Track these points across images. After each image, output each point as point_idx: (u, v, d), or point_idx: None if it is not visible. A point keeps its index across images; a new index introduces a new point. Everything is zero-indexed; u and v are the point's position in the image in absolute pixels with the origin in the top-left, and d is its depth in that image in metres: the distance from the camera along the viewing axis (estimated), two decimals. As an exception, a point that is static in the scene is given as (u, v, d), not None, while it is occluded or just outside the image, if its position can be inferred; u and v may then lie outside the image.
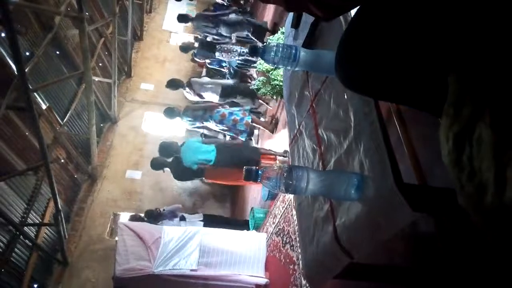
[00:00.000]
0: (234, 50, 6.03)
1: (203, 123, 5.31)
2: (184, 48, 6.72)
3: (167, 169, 5.16)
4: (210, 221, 5.44)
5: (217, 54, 6.13)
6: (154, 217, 5.47)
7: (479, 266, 1.26)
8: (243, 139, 5.35)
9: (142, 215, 5.73)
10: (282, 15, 5.82)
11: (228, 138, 5.89)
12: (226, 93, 5.70)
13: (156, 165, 5.12)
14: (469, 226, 1.24)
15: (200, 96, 5.78)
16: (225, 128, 5.25)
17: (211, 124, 5.27)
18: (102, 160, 7.79)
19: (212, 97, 5.75)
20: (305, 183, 1.07)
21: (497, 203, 0.44)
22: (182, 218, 5.46)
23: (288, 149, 4.81)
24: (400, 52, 0.81)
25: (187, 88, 5.74)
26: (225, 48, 6.05)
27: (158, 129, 8.64)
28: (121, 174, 7.78)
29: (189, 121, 5.31)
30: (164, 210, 5.70)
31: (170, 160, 5.06)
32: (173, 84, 5.83)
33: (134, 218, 5.66)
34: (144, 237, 4.07)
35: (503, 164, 0.44)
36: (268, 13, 6.88)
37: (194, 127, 5.56)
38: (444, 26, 0.69)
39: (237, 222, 5.70)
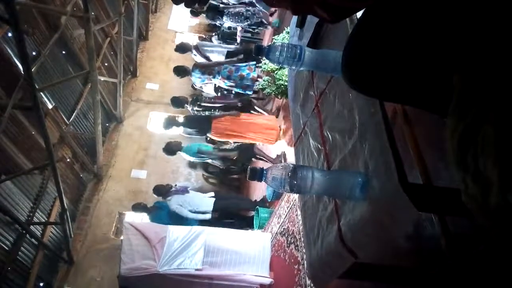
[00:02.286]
0: (241, 13, 6.25)
1: (211, 80, 5.65)
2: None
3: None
4: (220, 197, 5.73)
5: (224, 18, 6.36)
6: (163, 194, 5.65)
7: (484, 266, 1.26)
8: (250, 93, 5.64)
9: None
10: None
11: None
12: (232, 55, 5.98)
13: (168, 123, 5.45)
14: (475, 226, 1.24)
15: (207, 58, 6.09)
16: (232, 84, 5.56)
17: (218, 81, 5.60)
18: (107, 159, 7.82)
19: (218, 58, 6.04)
20: (310, 183, 1.07)
21: (502, 203, 0.44)
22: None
23: (283, 152, 5.02)
24: (406, 52, 0.81)
25: (194, 51, 6.08)
26: (232, 12, 6.26)
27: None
28: (127, 174, 7.80)
29: (198, 77, 5.63)
30: (176, 185, 5.88)
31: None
32: (182, 47, 6.19)
33: (138, 206, 5.71)
34: (150, 237, 4.08)
35: (508, 165, 0.44)
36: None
37: (202, 84, 5.86)
38: (449, 27, 0.69)
39: (247, 202, 5.78)
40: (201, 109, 5.65)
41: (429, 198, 0.98)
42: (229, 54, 6.01)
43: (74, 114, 6.62)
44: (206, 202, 5.51)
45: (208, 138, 5.85)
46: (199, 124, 5.39)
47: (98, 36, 7.34)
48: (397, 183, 0.91)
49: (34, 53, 5.27)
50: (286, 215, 4.05)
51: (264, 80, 4.72)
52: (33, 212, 5.34)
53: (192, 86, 7.00)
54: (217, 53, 6.07)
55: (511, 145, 0.44)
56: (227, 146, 5.68)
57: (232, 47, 6.44)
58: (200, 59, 6.18)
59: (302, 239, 3.33)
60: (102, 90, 7.30)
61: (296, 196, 3.62)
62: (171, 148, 5.50)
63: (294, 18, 2.00)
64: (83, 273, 6.33)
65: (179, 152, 5.51)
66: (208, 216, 5.39)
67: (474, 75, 0.55)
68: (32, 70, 3.80)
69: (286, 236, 3.93)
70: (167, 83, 8.97)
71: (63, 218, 5.20)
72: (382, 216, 0.98)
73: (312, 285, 3.02)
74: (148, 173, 7.79)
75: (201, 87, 6.21)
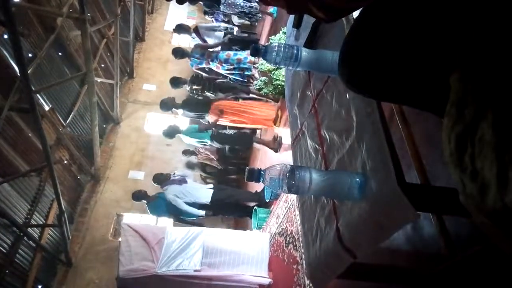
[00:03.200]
0: (237, 3, 6.39)
1: (209, 64, 5.76)
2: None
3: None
4: (219, 188, 5.73)
5: (221, 7, 6.51)
6: (161, 182, 5.72)
7: (482, 266, 1.26)
8: (249, 73, 5.75)
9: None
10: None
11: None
12: (232, 43, 6.16)
13: (166, 105, 5.65)
14: (473, 226, 1.24)
15: (205, 42, 6.29)
16: (230, 67, 5.68)
17: (216, 65, 5.71)
18: (105, 161, 7.80)
19: (215, 42, 6.26)
20: (308, 184, 1.07)
21: (499, 203, 0.44)
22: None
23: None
24: (403, 52, 0.81)
25: (193, 34, 6.26)
26: (229, 2, 6.40)
27: (161, 129, 8.65)
28: (124, 175, 7.79)
29: (197, 59, 5.76)
30: (174, 174, 5.93)
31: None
32: (181, 28, 6.39)
33: (138, 193, 5.72)
34: (148, 238, 4.08)
35: (505, 165, 0.43)
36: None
37: (199, 68, 5.97)
38: (446, 26, 0.69)
39: (247, 195, 5.77)
40: (200, 87, 5.70)
41: (427, 198, 0.98)
42: (229, 41, 6.15)
43: (71, 115, 6.61)
44: (204, 193, 5.46)
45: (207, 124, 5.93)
46: (198, 107, 5.51)
47: (95, 38, 7.32)
48: (395, 183, 0.91)
49: (30, 55, 5.26)
50: (285, 215, 4.05)
51: (261, 81, 4.72)
52: (30, 214, 5.33)
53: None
54: (215, 38, 6.25)
55: (509, 146, 0.44)
56: (225, 131, 5.74)
57: (231, 26, 6.57)
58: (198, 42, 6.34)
59: (301, 239, 3.34)
60: (99, 91, 7.29)
61: (294, 196, 3.62)
62: (171, 131, 5.63)
63: (291, 18, 2.00)
64: (82, 275, 6.32)
65: (178, 135, 5.64)
66: (202, 213, 5.36)
67: (471, 75, 0.55)
68: (29, 72, 3.79)
69: (284, 236, 3.93)
70: (164, 84, 8.90)
71: (60, 220, 5.18)
72: (380, 216, 0.98)
73: (311, 285, 3.02)
74: (146, 174, 7.77)
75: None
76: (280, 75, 4.35)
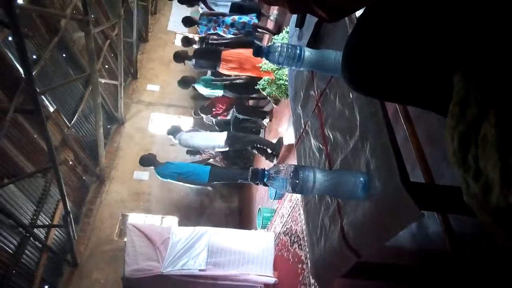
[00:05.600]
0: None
1: (216, 29, 6.06)
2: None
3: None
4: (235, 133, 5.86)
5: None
6: (174, 131, 5.82)
7: (487, 264, 1.26)
8: (252, 39, 5.94)
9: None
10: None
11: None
12: (235, 8, 6.37)
13: (180, 56, 5.90)
14: (478, 225, 1.24)
15: (212, 10, 6.50)
16: (236, 31, 5.97)
17: (222, 31, 5.99)
18: (109, 161, 7.83)
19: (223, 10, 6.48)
20: (312, 183, 1.07)
21: (503, 203, 0.44)
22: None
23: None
24: (406, 51, 0.81)
25: (201, 4, 6.50)
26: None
27: (165, 129, 8.67)
28: (129, 175, 7.81)
29: (204, 26, 6.06)
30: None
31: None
32: (189, 0, 6.64)
33: (145, 157, 5.68)
34: (153, 238, 4.09)
35: (508, 165, 0.44)
36: (273, 11, 6.89)
37: (207, 34, 6.18)
38: (449, 26, 0.69)
39: (264, 139, 5.81)
40: (208, 46, 5.95)
41: (432, 197, 0.98)
42: (233, 8, 6.33)
43: (75, 116, 6.63)
44: (218, 136, 5.57)
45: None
46: (209, 55, 5.64)
47: (98, 39, 7.34)
48: (399, 182, 0.91)
49: (34, 57, 5.28)
50: (289, 215, 4.05)
51: (264, 80, 4.71)
52: (36, 215, 5.36)
53: (193, 87, 7.01)
54: (223, 7, 6.40)
55: None
56: (236, 81, 5.96)
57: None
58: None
59: (305, 239, 3.34)
60: (103, 92, 7.31)
61: (298, 195, 3.62)
62: (186, 80, 5.94)
63: (294, 18, 2.00)
64: (88, 275, 6.35)
65: (194, 85, 5.93)
66: (222, 143, 5.39)
67: (473, 75, 0.55)
68: (33, 73, 3.80)
69: (289, 235, 3.93)
70: (167, 85, 8.98)
71: (66, 221, 5.21)
72: (384, 215, 0.98)
73: (316, 284, 3.02)
74: (150, 174, 7.77)
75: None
76: (283, 75, 4.35)
